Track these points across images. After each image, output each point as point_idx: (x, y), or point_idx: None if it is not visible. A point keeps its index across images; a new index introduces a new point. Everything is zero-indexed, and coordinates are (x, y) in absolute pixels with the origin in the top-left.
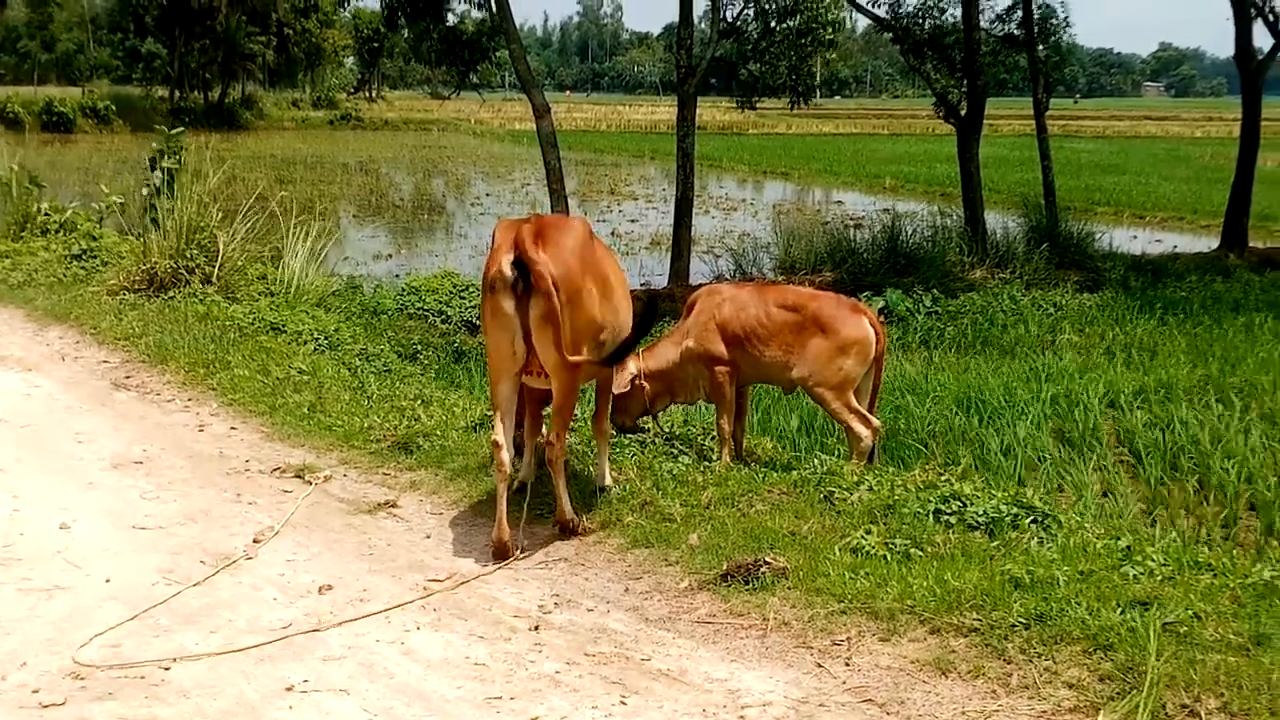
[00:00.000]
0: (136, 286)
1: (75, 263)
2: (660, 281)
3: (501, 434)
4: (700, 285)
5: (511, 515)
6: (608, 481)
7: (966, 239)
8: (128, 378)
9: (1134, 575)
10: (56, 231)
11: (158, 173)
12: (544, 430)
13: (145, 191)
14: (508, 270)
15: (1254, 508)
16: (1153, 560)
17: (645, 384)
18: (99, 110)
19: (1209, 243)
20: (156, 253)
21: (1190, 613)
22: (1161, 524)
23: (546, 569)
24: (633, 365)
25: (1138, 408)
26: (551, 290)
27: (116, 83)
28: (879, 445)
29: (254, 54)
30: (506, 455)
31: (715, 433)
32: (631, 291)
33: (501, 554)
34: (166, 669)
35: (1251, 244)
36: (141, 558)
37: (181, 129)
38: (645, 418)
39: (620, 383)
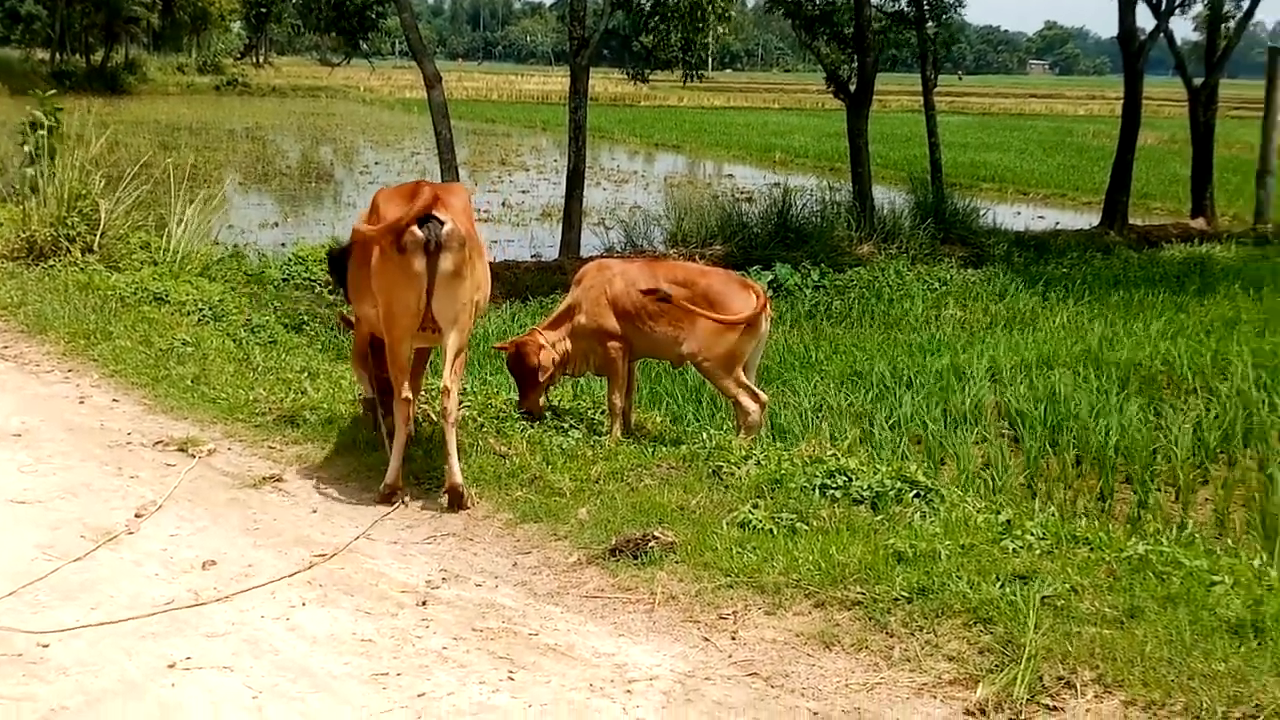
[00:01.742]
0: (15, 255)
1: None
2: (551, 253)
3: (409, 391)
4: (591, 258)
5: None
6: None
7: (854, 214)
8: (5, 348)
9: (1013, 549)
10: None
11: (40, 133)
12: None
13: (26, 149)
14: (419, 230)
15: (1129, 480)
16: (1032, 534)
17: (555, 358)
18: None
19: (1090, 220)
20: (36, 221)
21: (1067, 586)
22: (1040, 497)
23: (434, 544)
24: (542, 340)
25: (1020, 382)
26: (464, 247)
27: None
28: (765, 419)
29: (137, 17)
30: (413, 410)
31: (605, 407)
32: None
33: (389, 498)
34: (45, 646)
35: (1131, 221)
36: (19, 532)
37: (54, 90)
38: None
39: (545, 362)
